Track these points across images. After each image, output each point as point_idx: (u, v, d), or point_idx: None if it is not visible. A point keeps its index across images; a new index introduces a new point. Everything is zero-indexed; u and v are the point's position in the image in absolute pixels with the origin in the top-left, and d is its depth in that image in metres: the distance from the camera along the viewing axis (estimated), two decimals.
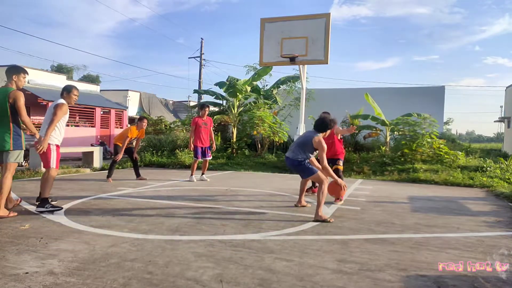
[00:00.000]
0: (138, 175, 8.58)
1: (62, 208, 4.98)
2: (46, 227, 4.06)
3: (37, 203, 5.12)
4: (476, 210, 5.84)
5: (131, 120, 23.46)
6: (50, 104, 14.73)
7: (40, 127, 4.99)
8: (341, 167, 6.29)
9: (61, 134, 5.02)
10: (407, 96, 20.73)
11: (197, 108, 22.70)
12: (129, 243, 3.52)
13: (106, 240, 3.62)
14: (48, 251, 3.25)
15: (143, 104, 27.04)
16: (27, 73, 4.77)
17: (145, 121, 8.47)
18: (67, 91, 5.13)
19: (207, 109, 8.74)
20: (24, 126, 4.65)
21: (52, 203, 4.94)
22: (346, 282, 2.74)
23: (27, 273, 2.73)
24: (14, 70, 4.62)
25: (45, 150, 4.78)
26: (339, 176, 6.10)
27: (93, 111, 17.15)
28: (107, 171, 8.56)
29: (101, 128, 17.77)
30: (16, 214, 4.59)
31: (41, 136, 4.82)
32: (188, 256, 3.21)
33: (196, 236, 3.85)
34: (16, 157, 4.54)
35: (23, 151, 4.64)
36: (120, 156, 8.20)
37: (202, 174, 8.89)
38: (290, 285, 2.65)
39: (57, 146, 4.97)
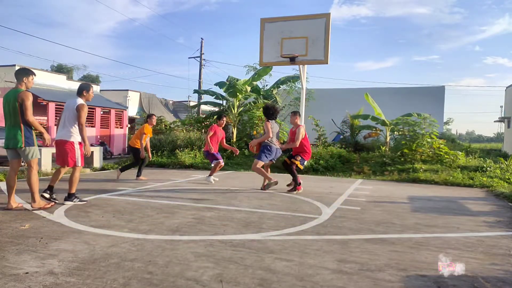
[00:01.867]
0: (139, 175, 8.58)
1: (87, 200, 5.52)
2: (46, 227, 4.06)
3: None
4: (476, 210, 5.84)
5: (131, 120, 23.48)
6: (50, 104, 14.75)
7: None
8: (297, 162, 6.99)
9: None
10: (407, 96, 20.74)
11: (196, 108, 22.76)
12: (129, 243, 3.52)
13: (106, 240, 3.62)
14: (48, 251, 3.24)
15: (143, 104, 27.02)
16: (35, 74, 5.03)
17: (154, 117, 8.84)
18: (86, 89, 5.41)
19: (224, 119, 8.64)
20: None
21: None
22: (346, 282, 2.74)
23: (27, 273, 2.73)
24: (24, 73, 4.86)
25: (89, 154, 5.40)
26: (291, 170, 6.99)
27: (93, 111, 17.15)
28: (107, 171, 8.57)
29: (101, 128, 17.78)
30: (53, 204, 5.11)
31: (61, 137, 5.20)
32: (188, 256, 3.21)
33: (196, 236, 3.85)
34: (32, 154, 4.83)
35: (36, 147, 4.89)
36: (143, 153, 8.41)
37: (210, 175, 8.81)
38: (290, 285, 2.65)
39: (80, 143, 5.33)
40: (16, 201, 5.02)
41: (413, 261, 3.25)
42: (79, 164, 5.31)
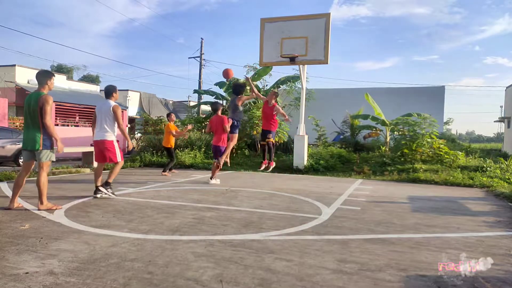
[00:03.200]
0: (170, 169, 9.61)
1: (116, 196, 5.98)
2: (46, 227, 4.06)
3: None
4: (476, 210, 5.84)
5: (131, 120, 23.46)
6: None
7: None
8: (271, 140, 8.36)
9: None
10: (407, 96, 20.75)
11: (196, 108, 22.73)
12: (129, 243, 3.52)
13: (106, 240, 3.62)
14: (48, 251, 3.25)
15: (143, 104, 27.01)
16: (55, 75, 5.19)
17: (172, 114, 10.03)
18: (115, 91, 6.00)
19: (216, 105, 8.67)
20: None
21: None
22: (346, 282, 2.74)
23: (27, 273, 2.73)
24: (47, 75, 4.94)
25: (130, 148, 5.98)
26: (269, 149, 8.37)
27: (93, 111, 17.13)
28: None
29: None
30: (60, 207, 5.01)
31: (101, 137, 5.76)
32: (188, 256, 3.21)
33: (196, 236, 3.85)
34: (46, 156, 4.86)
35: (53, 151, 4.96)
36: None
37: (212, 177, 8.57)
38: (290, 285, 2.65)
39: (118, 141, 5.94)
40: (18, 201, 5.02)
41: (413, 261, 3.25)
42: (120, 160, 5.92)
